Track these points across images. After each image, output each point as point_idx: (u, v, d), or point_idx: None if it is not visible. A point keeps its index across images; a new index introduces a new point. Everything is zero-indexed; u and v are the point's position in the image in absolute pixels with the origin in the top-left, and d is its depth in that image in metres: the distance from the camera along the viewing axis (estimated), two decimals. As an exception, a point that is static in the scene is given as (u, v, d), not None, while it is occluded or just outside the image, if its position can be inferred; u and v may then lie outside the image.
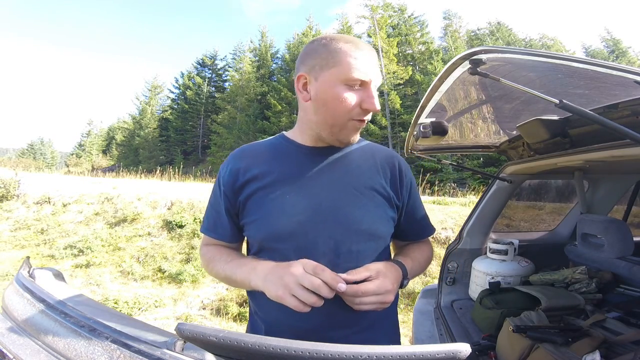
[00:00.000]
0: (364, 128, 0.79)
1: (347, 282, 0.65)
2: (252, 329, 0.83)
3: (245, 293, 4.58)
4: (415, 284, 4.55)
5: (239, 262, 0.78)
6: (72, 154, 39.55)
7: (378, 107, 0.73)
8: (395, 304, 0.82)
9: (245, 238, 0.86)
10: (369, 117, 0.76)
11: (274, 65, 29.23)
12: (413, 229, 0.90)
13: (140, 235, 6.02)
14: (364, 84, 0.73)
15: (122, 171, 16.80)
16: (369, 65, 0.73)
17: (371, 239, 0.76)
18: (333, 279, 0.63)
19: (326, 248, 0.73)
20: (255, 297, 0.79)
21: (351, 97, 0.72)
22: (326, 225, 0.73)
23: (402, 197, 0.84)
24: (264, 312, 0.78)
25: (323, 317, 0.71)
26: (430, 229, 0.93)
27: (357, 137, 0.81)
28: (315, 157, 0.80)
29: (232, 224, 0.82)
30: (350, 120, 0.74)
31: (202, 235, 0.88)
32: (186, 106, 30.78)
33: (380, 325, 0.80)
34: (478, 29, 28.98)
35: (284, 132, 0.88)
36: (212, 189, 0.86)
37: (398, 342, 0.87)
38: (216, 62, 33.07)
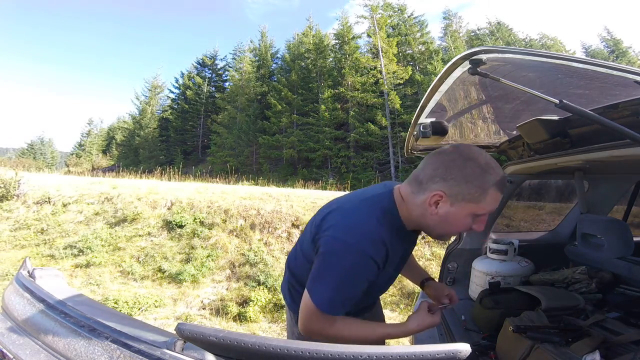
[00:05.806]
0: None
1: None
2: None
3: (244, 293, 4.57)
4: (415, 284, 4.54)
5: (375, 326, 0.96)
6: (72, 154, 39.49)
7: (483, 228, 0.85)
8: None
9: None
10: None
11: (274, 65, 29.22)
12: None
13: (140, 235, 6.01)
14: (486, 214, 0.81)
15: (122, 171, 16.74)
16: (498, 201, 0.80)
17: None
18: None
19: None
20: None
21: (470, 223, 0.82)
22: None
23: None
24: None
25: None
26: None
27: None
28: (409, 239, 0.98)
29: None
30: None
31: (319, 314, 0.83)
32: (186, 106, 30.76)
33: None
34: (478, 29, 28.94)
35: (393, 204, 0.88)
36: (348, 269, 0.81)
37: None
38: (216, 62, 33.05)
